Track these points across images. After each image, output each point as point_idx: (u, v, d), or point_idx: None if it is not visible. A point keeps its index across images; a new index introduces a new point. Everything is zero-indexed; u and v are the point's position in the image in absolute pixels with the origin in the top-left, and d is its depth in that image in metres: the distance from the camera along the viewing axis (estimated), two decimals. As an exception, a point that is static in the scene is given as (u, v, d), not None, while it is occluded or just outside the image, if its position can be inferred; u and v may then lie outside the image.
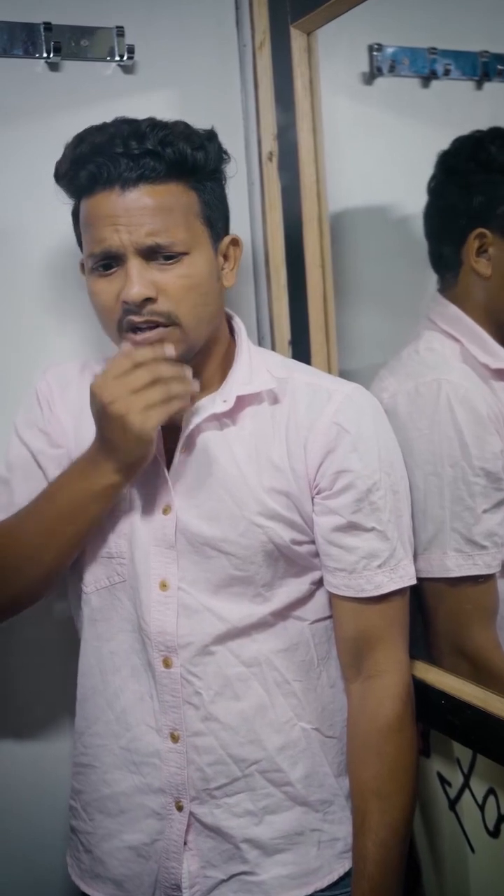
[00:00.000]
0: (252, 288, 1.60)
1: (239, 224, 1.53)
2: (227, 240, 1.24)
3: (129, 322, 1.18)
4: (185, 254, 1.17)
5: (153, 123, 1.17)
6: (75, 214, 1.24)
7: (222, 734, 1.25)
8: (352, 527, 1.22)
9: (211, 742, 1.26)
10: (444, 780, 1.39)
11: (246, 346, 1.28)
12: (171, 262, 1.17)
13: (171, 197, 1.17)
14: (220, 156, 1.23)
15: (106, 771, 1.32)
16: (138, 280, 1.16)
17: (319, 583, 1.29)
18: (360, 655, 1.26)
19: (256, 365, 1.27)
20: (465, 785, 1.34)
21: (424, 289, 1.53)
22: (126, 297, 1.16)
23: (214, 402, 1.24)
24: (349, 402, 1.23)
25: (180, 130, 1.18)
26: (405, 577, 1.25)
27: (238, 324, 1.31)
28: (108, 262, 1.18)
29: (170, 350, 1.15)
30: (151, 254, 1.16)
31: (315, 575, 1.28)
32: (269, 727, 1.26)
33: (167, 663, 1.25)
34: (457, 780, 1.36)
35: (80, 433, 1.28)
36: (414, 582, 1.26)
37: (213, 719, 1.25)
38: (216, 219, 1.22)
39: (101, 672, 1.31)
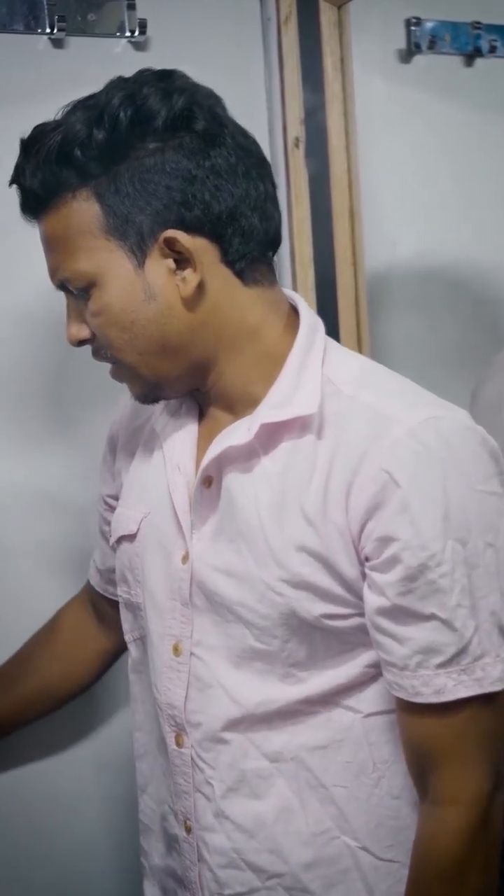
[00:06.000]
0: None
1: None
2: (160, 239, 0.98)
3: None
4: (93, 285, 1.01)
5: (33, 138, 1.01)
6: None
7: (236, 835, 1.06)
8: (400, 611, 0.95)
9: (222, 842, 1.06)
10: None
11: (300, 353, 1.02)
12: (84, 298, 1.03)
13: (60, 223, 1.01)
14: (152, 117, 0.98)
15: (157, 839, 1.18)
16: (69, 322, 1.06)
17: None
18: (424, 773, 1.00)
19: (308, 379, 1.01)
20: None
21: (467, 288, 1.50)
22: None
23: (237, 430, 1.02)
24: (410, 441, 0.94)
25: (63, 132, 0.99)
26: (485, 682, 0.95)
27: (304, 316, 1.05)
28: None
29: None
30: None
31: (373, 655, 1.01)
32: (295, 837, 1.04)
33: (179, 742, 1.09)
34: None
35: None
36: (499, 688, 0.96)
37: (224, 816, 1.06)
38: (133, 220, 0.99)
39: (148, 731, 1.17)
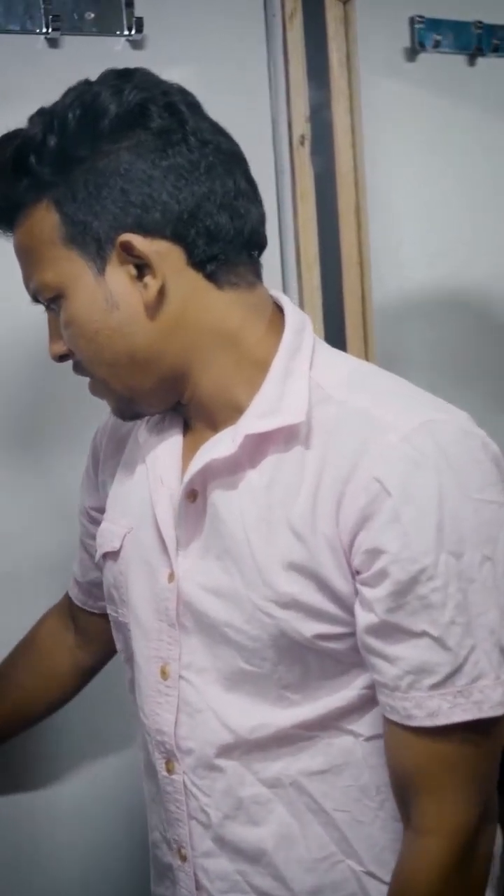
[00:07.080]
0: (280, 289, 1.51)
1: (266, 217, 1.50)
2: (117, 245, 0.94)
3: None
4: (61, 296, 0.97)
5: None
6: None
7: (237, 857, 1.02)
8: (389, 629, 0.89)
9: (224, 866, 1.02)
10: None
11: (285, 357, 0.96)
12: (56, 311, 1.00)
13: (25, 235, 0.98)
14: (99, 118, 0.93)
15: (151, 864, 1.14)
16: (49, 338, 1.02)
17: None
18: (405, 800, 0.95)
19: (295, 385, 0.95)
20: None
21: (473, 286, 1.53)
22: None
23: (221, 442, 0.96)
24: (403, 447, 0.88)
25: (20, 140, 0.96)
26: (484, 705, 0.88)
27: (289, 317, 0.99)
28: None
29: None
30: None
31: (370, 676, 0.96)
32: (298, 864, 0.99)
33: (169, 768, 1.03)
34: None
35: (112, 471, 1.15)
36: (500, 712, 0.90)
37: (223, 842, 1.02)
38: (90, 227, 0.94)
39: (147, 752, 1.11)
